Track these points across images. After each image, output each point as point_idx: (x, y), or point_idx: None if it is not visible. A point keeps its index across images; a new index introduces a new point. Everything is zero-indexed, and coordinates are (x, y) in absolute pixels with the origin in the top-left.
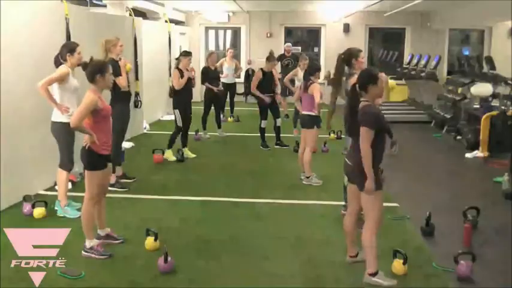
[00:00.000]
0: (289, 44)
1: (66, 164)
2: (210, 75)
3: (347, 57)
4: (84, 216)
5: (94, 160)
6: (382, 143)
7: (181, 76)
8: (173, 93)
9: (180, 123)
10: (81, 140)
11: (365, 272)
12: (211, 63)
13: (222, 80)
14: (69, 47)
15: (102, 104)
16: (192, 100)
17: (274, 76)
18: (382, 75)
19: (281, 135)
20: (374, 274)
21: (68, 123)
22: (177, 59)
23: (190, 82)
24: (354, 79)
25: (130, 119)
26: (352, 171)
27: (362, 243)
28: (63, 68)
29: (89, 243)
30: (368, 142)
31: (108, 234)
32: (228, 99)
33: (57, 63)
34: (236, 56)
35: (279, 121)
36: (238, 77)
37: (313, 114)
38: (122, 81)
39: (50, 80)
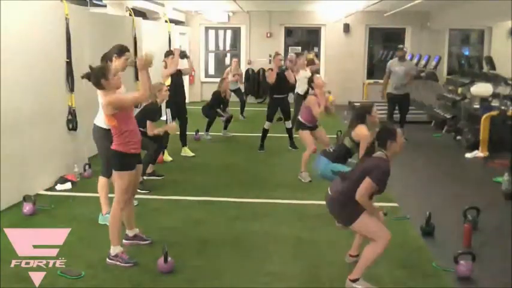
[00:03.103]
0: (293, 54)
1: (106, 170)
2: (220, 101)
3: (361, 115)
4: (111, 221)
5: (122, 161)
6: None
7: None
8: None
9: (170, 123)
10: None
11: (347, 277)
12: (223, 90)
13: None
14: (118, 48)
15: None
16: (192, 100)
17: (288, 76)
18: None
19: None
20: (355, 280)
21: (107, 130)
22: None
23: (181, 79)
24: (363, 133)
25: None
26: (331, 202)
27: (365, 251)
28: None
29: (113, 251)
30: (367, 195)
31: (136, 234)
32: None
33: (105, 59)
34: (236, 57)
35: (287, 123)
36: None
37: (301, 121)
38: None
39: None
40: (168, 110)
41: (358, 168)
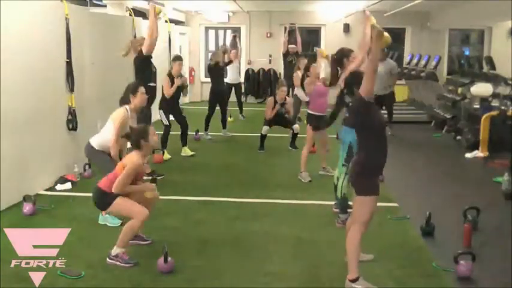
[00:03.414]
0: (294, 46)
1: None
2: (214, 72)
3: (339, 57)
4: (129, 230)
5: (109, 200)
6: (381, 146)
7: (172, 83)
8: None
9: (166, 122)
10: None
11: (346, 278)
12: (221, 60)
13: (226, 80)
14: (132, 88)
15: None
16: (192, 100)
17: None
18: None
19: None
20: (355, 280)
21: (100, 151)
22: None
23: (180, 88)
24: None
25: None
26: (350, 173)
27: (346, 246)
28: (121, 112)
29: (114, 251)
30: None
31: (136, 234)
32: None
33: (122, 103)
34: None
35: (295, 128)
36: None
37: (310, 112)
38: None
39: (116, 133)
40: (161, 111)
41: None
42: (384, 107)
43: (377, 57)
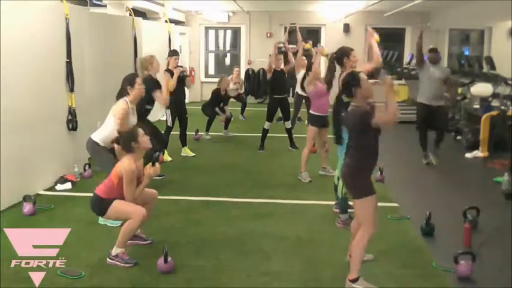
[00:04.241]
0: (294, 46)
1: (110, 172)
2: (219, 99)
3: (339, 56)
4: (127, 229)
5: (105, 206)
6: (372, 144)
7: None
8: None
9: (170, 123)
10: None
11: (346, 278)
12: (223, 88)
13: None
14: (129, 80)
15: (137, 171)
16: (192, 100)
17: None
18: (387, 77)
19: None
20: (355, 280)
21: (104, 149)
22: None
23: (183, 82)
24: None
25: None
26: (343, 175)
27: (352, 247)
28: (123, 104)
29: (115, 251)
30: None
31: (136, 234)
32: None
33: (120, 96)
34: (236, 57)
35: (287, 124)
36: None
37: (311, 112)
38: (160, 96)
39: (121, 122)
40: (168, 111)
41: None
42: (432, 124)
43: (396, 109)
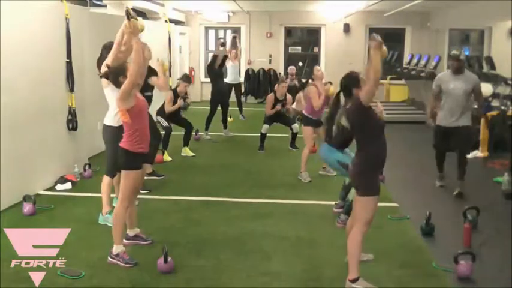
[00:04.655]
0: (293, 67)
1: (111, 170)
2: (214, 73)
3: (347, 86)
4: (114, 220)
5: (130, 159)
6: (380, 144)
7: (175, 100)
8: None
9: (166, 124)
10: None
11: (346, 278)
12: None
13: (226, 80)
14: (109, 47)
15: (136, 100)
16: (192, 100)
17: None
18: (375, 36)
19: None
20: (355, 280)
21: (119, 127)
22: (179, 79)
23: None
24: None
25: None
26: (350, 174)
27: (348, 246)
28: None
29: (115, 250)
30: (369, 90)
31: (137, 234)
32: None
33: (100, 63)
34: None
35: (295, 127)
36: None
37: (305, 114)
38: (157, 81)
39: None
40: (160, 117)
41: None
42: (450, 146)
43: (378, 68)
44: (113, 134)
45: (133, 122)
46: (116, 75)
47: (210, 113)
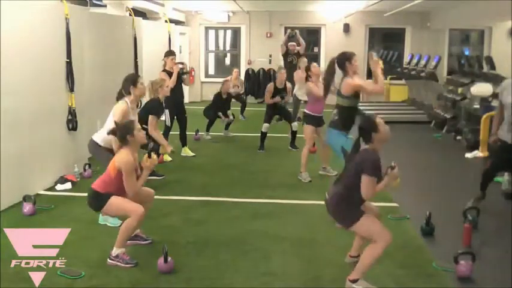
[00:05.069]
0: (294, 43)
1: None
2: (220, 103)
3: (341, 61)
4: (125, 229)
5: (102, 199)
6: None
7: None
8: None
9: (168, 123)
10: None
11: (347, 278)
12: (224, 91)
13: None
14: (131, 79)
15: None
16: (191, 100)
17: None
18: (372, 54)
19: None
20: (355, 280)
21: (104, 149)
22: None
23: (181, 80)
24: (346, 83)
25: None
26: (330, 206)
27: (364, 255)
28: (122, 105)
29: (115, 251)
30: (372, 191)
31: (137, 234)
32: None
33: (120, 97)
34: (236, 57)
35: (294, 125)
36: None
37: (307, 112)
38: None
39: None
40: (167, 111)
41: (350, 169)
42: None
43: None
44: (96, 148)
45: (114, 180)
46: (123, 134)
47: (209, 121)
